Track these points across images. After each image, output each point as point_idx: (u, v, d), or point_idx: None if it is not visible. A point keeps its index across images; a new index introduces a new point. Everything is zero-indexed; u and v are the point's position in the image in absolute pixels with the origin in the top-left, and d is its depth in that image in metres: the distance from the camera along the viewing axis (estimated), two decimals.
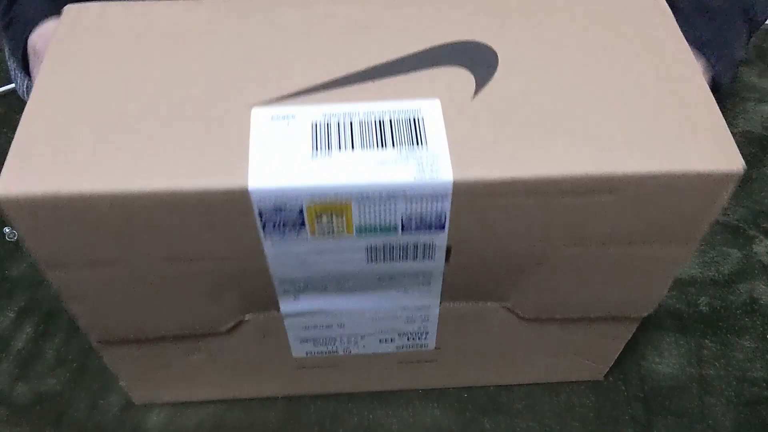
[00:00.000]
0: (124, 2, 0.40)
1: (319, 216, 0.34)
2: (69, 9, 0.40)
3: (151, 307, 0.41)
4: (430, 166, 0.32)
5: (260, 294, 0.41)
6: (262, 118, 0.34)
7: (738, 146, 0.34)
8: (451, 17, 0.39)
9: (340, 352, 0.47)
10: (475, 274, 0.40)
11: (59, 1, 0.47)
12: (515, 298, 0.43)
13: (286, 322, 0.44)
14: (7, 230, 0.68)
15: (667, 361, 0.58)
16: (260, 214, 0.33)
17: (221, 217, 0.34)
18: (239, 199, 0.32)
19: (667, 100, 0.36)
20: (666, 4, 0.40)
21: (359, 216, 0.34)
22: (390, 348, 0.47)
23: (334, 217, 0.34)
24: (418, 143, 0.33)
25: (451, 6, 0.39)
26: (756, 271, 0.65)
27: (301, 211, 0.33)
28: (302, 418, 0.53)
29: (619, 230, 0.37)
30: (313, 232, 0.35)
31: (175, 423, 0.53)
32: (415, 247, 0.37)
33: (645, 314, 0.45)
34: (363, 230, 0.35)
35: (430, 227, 0.35)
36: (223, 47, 0.37)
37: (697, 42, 0.49)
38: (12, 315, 0.61)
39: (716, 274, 0.65)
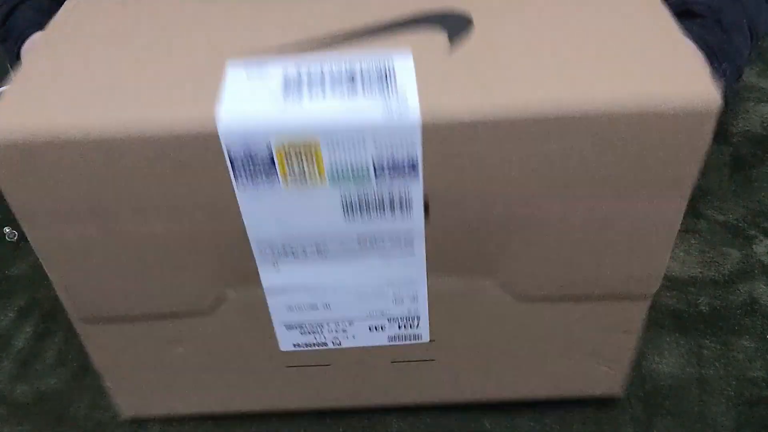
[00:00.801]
0: None
1: (288, 157, 0.34)
2: None
3: (128, 278, 0.40)
4: (398, 107, 0.32)
5: (240, 262, 0.40)
6: (236, 68, 0.35)
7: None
8: None
9: (330, 344, 0.46)
10: (459, 239, 0.39)
11: (50, 13, 0.48)
12: (506, 272, 0.42)
13: (270, 302, 0.43)
14: (7, 230, 0.68)
15: (667, 361, 0.58)
16: (230, 158, 0.34)
17: (193, 164, 0.34)
18: (209, 141, 0.33)
19: (642, 45, 0.36)
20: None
21: (330, 158, 0.34)
22: (382, 338, 0.46)
23: (304, 159, 0.34)
24: (387, 90, 0.33)
25: None
26: (756, 271, 0.65)
27: (271, 154, 0.33)
28: (302, 415, 0.53)
29: (603, 179, 0.36)
30: (285, 178, 0.35)
31: (176, 421, 0.53)
32: (391, 200, 0.36)
33: (649, 292, 0.44)
34: (335, 176, 0.35)
35: (403, 171, 0.35)
36: (206, 7, 0.40)
37: (713, 48, 0.51)
38: (12, 315, 0.61)
39: (716, 274, 0.65)
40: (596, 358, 0.50)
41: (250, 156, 0.34)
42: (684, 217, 0.73)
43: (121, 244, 0.39)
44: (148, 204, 0.36)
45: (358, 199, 0.36)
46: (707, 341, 0.59)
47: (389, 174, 0.35)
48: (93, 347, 0.47)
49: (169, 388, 0.51)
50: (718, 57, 0.51)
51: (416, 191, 0.36)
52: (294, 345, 0.46)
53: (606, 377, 0.52)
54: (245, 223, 0.37)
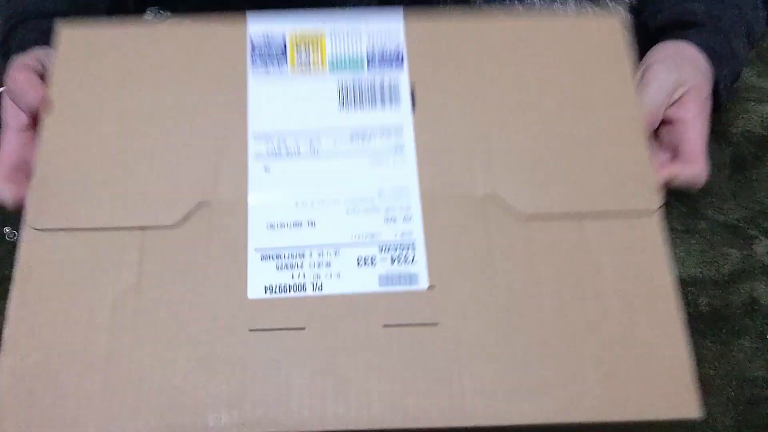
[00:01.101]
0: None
1: (298, 47, 0.43)
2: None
3: (116, 169, 0.43)
4: (388, 17, 0.45)
5: (231, 165, 0.42)
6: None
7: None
8: None
9: (309, 288, 0.40)
10: (447, 140, 0.43)
11: (50, 35, 0.48)
12: (500, 182, 0.41)
13: (251, 212, 0.41)
14: (7, 230, 0.68)
15: None
16: (252, 44, 0.43)
17: (218, 50, 0.43)
18: (237, 29, 0.43)
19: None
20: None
21: (332, 47, 0.43)
22: (372, 279, 0.40)
23: (311, 48, 0.43)
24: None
25: None
26: (756, 271, 0.65)
27: (284, 41, 0.43)
28: None
29: (558, 70, 0.43)
30: (293, 65, 0.43)
31: None
32: (381, 86, 0.44)
33: (649, 206, 0.40)
34: (335, 63, 0.43)
35: (391, 61, 0.43)
36: None
37: (714, 55, 0.52)
38: None
39: (716, 274, 0.65)
40: (638, 331, 0.40)
41: (267, 43, 0.44)
42: (684, 217, 0.73)
43: (127, 140, 0.43)
44: (169, 83, 0.44)
45: (353, 85, 0.43)
46: (707, 341, 0.59)
47: (380, 63, 0.43)
48: (24, 278, 0.40)
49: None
50: (721, 63, 0.52)
51: (403, 80, 0.43)
52: (266, 288, 0.40)
53: (665, 373, 0.40)
54: (249, 111, 0.43)
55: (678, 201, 0.72)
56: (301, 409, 0.37)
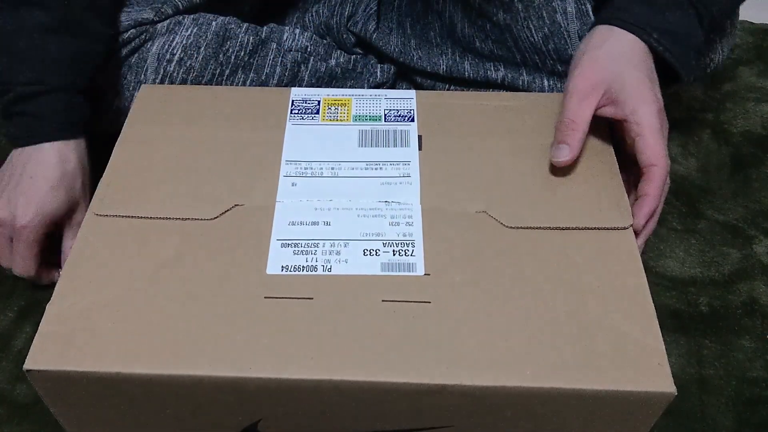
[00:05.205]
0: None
1: (330, 106, 0.54)
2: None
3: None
4: (401, 93, 0.56)
5: (264, 179, 0.49)
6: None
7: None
8: None
9: (319, 269, 0.44)
10: (448, 170, 0.50)
11: (77, 126, 0.55)
12: (492, 204, 0.47)
13: (276, 214, 0.47)
14: None
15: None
16: (292, 102, 0.54)
17: (265, 105, 0.54)
18: (283, 94, 0.55)
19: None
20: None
21: (356, 108, 0.54)
22: (374, 266, 0.44)
23: (339, 107, 0.54)
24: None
25: None
26: (756, 271, 0.65)
27: (318, 102, 0.54)
28: None
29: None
30: (323, 117, 0.53)
31: None
32: (395, 133, 0.52)
33: (623, 224, 0.47)
34: (357, 118, 0.53)
35: (404, 119, 0.53)
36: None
37: (635, 24, 0.53)
38: (12, 315, 0.61)
39: (716, 274, 0.65)
40: (612, 313, 0.42)
41: (305, 103, 0.54)
42: (684, 217, 0.73)
43: (183, 159, 0.51)
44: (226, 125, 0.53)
45: (371, 131, 0.53)
46: (707, 341, 0.59)
47: (395, 120, 0.53)
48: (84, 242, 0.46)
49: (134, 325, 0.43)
50: (645, 31, 0.52)
51: (413, 130, 0.53)
52: (282, 267, 0.44)
53: (640, 355, 0.41)
54: (284, 145, 0.51)
55: (678, 201, 0.72)
56: (303, 358, 0.40)
